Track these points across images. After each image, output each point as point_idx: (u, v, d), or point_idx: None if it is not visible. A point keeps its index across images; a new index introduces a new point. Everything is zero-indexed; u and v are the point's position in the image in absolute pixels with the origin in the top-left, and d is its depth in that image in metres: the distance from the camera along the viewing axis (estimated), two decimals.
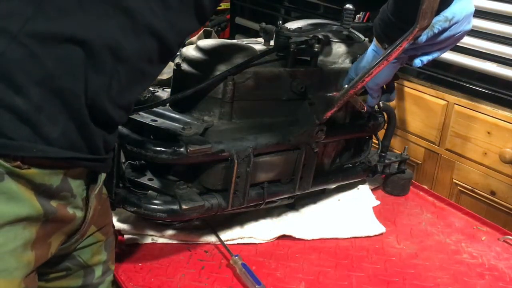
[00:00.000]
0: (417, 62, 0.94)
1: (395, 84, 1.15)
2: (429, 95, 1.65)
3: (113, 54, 0.64)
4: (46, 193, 0.63)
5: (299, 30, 1.07)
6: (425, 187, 1.40)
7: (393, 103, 1.71)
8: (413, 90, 1.69)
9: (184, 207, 0.95)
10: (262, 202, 1.06)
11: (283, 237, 1.09)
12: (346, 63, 1.12)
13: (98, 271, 0.79)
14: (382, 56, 0.89)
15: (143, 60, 0.69)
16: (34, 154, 0.60)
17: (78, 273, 0.76)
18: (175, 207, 0.95)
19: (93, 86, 0.63)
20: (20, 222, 0.60)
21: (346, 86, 0.97)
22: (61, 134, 0.62)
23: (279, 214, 1.16)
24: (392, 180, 1.33)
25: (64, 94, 0.61)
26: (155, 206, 0.95)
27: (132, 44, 0.66)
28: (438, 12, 0.85)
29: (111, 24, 0.64)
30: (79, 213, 0.69)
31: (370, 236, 1.13)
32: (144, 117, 0.98)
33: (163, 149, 0.92)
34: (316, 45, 1.05)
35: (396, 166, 1.33)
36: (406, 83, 1.71)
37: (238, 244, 1.06)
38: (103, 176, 0.74)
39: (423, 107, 1.67)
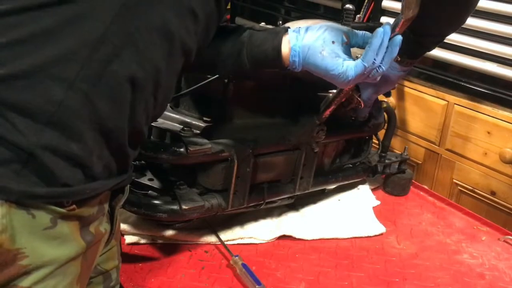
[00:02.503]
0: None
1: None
2: (429, 95, 1.65)
3: (154, 81, 0.65)
4: (88, 223, 0.64)
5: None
6: (425, 187, 1.40)
7: (393, 103, 1.71)
8: (413, 90, 1.69)
9: (184, 207, 0.95)
10: (262, 202, 1.06)
11: (283, 237, 1.09)
12: None
13: (114, 275, 0.79)
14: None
15: (174, 77, 0.71)
16: (88, 195, 0.61)
17: (97, 279, 0.76)
18: (175, 207, 0.95)
19: (136, 116, 0.65)
20: (69, 261, 0.61)
21: None
22: (103, 167, 0.63)
23: (279, 214, 1.16)
24: (392, 180, 1.33)
25: (112, 133, 0.62)
26: (155, 206, 0.95)
27: (169, 67, 0.67)
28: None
29: (156, 54, 0.64)
30: (108, 227, 0.70)
31: (370, 236, 1.13)
32: None
33: (163, 149, 0.92)
34: None
35: (396, 166, 1.33)
36: (406, 83, 1.71)
37: (238, 244, 1.06)
38: (127, 188, 0.74)
39: (423, 107, 1.67)
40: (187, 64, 0.73)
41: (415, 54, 1.00)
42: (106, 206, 0.69)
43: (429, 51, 1.02)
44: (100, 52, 0.58)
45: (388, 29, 0.80)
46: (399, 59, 0.99)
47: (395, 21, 0.84)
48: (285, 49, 0.83)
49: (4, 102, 0.55)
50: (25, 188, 0.56)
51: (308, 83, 1.05)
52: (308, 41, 0.82)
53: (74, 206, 0.60)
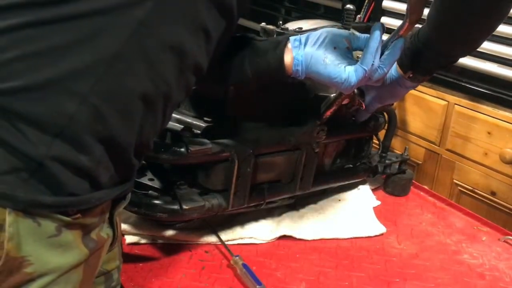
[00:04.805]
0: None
1: None
2: (430, 95, 1.65)
3: (165, 98, 0.65)
4: (89, 230, 0.64)
5: (299, 30, 1.07)
6: (426, 187, 1.40)
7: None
8: (414, 90, 1.68)
9: (184, 207, 0.95)
10: (262, 202, 1.06)
11: (284, 237, 1.09)
12: None
13: (115, 275, 0.80)
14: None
15: (184, 93, 0.71)
16: (92, 205, 0.62)
17: (99, 280, 0.77)
18: (176, 207, 0.95)
19: (144, 131, 0.65)
20: (72, 269, 0.62)
21: None
22: (109, 178, 0.63)
23: (279, 214, 1.16)
24: (393, 180, 1.33)
25: (120, 147, 0.62)
26: (156, 206, 0.95)
27: (180, 84, 0.67)
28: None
29: (169, 71, 0.64)
30: (110, 231, 0.71)
31: (370, 237, 1.13)
32: None
33: (163, 149, 0.92)
34: None
35: (397, 167, 1.33)
36: None
37: (238, 244, 1.06)
38: (129, 194, 0.75)
39: (423, 107, 1.67)
40: (197, 81, 0.73)
41: (430, 71, 1.00)
42: (107, 214, 0.69)
43: (443, 70, 1.02)
44: (115, 68, 0.58)
45: (380, 28, 0.81)
46: (411, 75, 0.99)
47: (400, 25, 0.85)
48: (287, 58, 0.84)
49: (16, 112, 0.55)
50: (32, 197, 0.56)
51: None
52: (310, 49, 0.82)
53: (79, 214, 0.60)
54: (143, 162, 1.01)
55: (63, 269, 0.60)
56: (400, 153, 1.36)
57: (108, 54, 0.58)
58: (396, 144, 1.74)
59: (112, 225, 0.71)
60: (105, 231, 0.68)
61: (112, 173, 0.64)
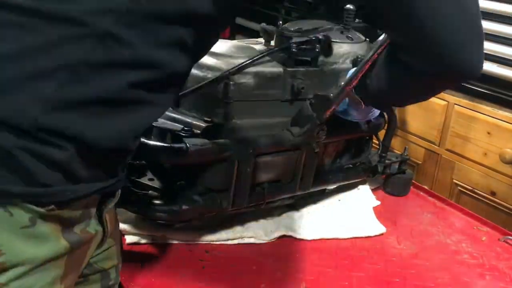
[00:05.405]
0: None
1: None
2: None
3: (133, 101, 0.64)
4: (71, 224, 0.64)
5: (299, 30, 1.07)
6: (426, 187, 1.40)
7: None
8: None
9: (184, 207, 0.95)
10: (262, 202, 1.06)
11: (284, 237, 1.09)
12: (346, 63, 1.12)
13: (113, 274, 0.79)
14: (370, 53, 0.90)
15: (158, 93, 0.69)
16: (67, 198, 0.61)
17: (95, 277, 0.77)
18: (175, 207, 0.95)
19: (120, 132, 0.63)
20: (48, 262, 0.61)
21: (342, 83, 0.97)
22: (88, 172, 0.63)
23: (279, 214, 1.16)
24: (393, 180, 1.33)
25: (91, 146, 0.61)
26: (156, 206, 0.95)
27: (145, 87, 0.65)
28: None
29: (129, 77, 0.62)
30: (99, 228, 0.70)
31: (370, 236, 1.13)
32: None
33: (163, 149, 0.92)
34: (317, 45, 1.05)
35: (397, 167, 1.33)
36: None
37: (238, 244, 1.06)
38: (119, 192, 0.74)
39: (423, 107, 1.67)
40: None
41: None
42: (93, 210, 0.68)
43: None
44: (79, 73, 0.58)
45: None
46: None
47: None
48: None
49: None
50: (1, 186, 0.56)
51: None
52: None
53: (53, 206, 0.60)
54: (143, 162, 1.01)
55: (38, 260, 0.60)
56: (400, 153, 1.36)
57: (74, 60, 0.58)
58: (396, 144, 1.74)
59: (102, 222, 0.71)
60: (93, 227, 0.68)
61: (91, 168, 0.63)
